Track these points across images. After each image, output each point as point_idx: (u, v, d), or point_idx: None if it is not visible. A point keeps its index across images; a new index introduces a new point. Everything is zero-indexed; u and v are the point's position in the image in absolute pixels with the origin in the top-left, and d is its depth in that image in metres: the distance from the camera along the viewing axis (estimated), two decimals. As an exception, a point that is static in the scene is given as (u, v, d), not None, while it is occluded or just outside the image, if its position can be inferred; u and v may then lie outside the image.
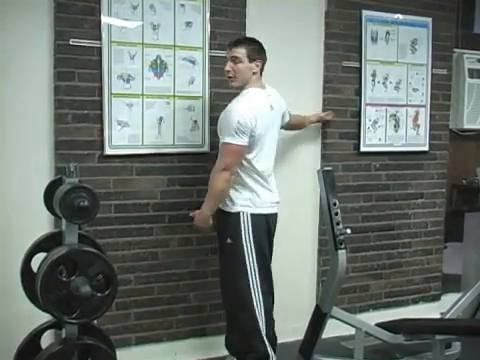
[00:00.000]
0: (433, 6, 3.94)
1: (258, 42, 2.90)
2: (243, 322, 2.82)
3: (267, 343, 2.80)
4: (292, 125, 3.29)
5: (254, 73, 2.85)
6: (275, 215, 2.93)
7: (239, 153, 2.75)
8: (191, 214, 2.95)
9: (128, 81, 3.10)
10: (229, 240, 2.81)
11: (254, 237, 2.79)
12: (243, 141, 2.73)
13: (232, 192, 2.81)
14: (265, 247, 2.87)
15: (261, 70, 2.89)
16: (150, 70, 3.15)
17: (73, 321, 2.18)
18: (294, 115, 3.28)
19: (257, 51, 2.86)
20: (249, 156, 2.79)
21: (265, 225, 2.86)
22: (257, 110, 2.79)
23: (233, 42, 2.87)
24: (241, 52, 2.81)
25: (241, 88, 2.87)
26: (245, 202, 2.81)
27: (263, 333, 2.80)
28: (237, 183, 2.80)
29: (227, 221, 2.83)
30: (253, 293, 2.78)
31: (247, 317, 2.80)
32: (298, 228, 3.64)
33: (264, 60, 2.89)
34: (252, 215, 2.80)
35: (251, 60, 2.83)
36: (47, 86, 3.00)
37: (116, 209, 3.14)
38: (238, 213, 2.80)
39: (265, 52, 2.90)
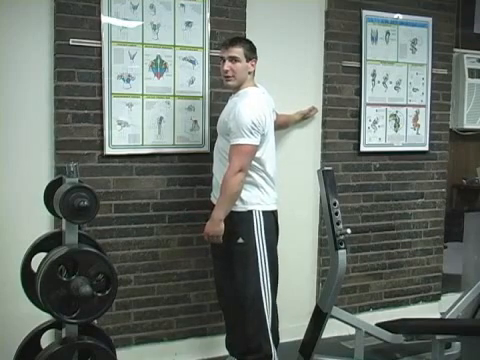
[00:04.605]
0: (433, 6, 3.94)
1: (251, 42, 2.92)
2: (250, 322, 2.81)
3: (272, 343, 2.80)
4: (278, 124, 3.24)
5: (249, 73, 2.86)
6: (277, 211, 2.94)
7: (252, 153, 2.76)
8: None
9: (128, 81, 3.10)
10: (241, 240, 2.79)
11: (266, 234, 2.79)
12: (256, 141, 2.74)
13: (242, 192, 2.80)
14: (275, 243, 2.90)
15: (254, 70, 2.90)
16: (150, 70, 3.15)
17: (73, 321, 2.18)
18: (280, 114, 3.28)
19: (252, 50, 2.87)
20: (258, 155, 2.80)
21: (274, 221, 2.89)
22: (264, 108, 2.81)
23: (229, 42, 2.86)
24: (239, 51, 2.81)
25: (237, 88, 2.87)
26: (256, 200, 2.82)
27: (269, 332, 2.80)
28: (246, 182, 2.79)
29: (238, 221, 2.80)
30: (263, 292, 2.79)
31: (255, 317, 2.80)
32: (298, 228, 3.64)
33: (257, 59, 2.90)
34: (263, 212, 2.81)
35: (248, 59, 2.84)
36: (47, 86, 3.00)
37: (116, 209, 3.14)
38: (250, 211, 2.80)
39: (256, 51, 2.91)
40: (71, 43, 2.96)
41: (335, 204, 3.00)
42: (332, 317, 3.11)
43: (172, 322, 3.33)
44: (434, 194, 4.08)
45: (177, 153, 3.25)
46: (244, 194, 2.80)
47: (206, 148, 3.30)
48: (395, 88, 3.85)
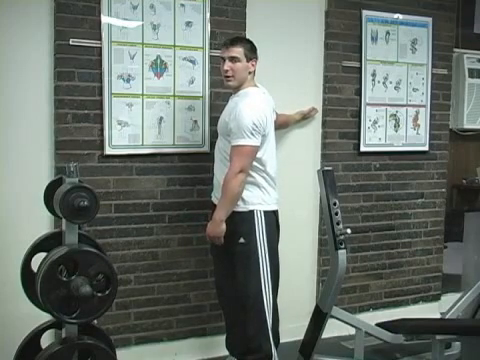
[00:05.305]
0: (433, 6, 3.94)
1: (251, 41, 2.91)
2: (250, 322, 2.80)
3: (272, 343, 2.80)
4: (278, 124, 3.23)
5: (250, 73, 2.86)
6: (278, 211, 2.94)
7: (253, 154, 2.76)
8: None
9: (128, 81, 3.10)
10: (242, 240, 2.79)
11: (267, 234, 2.80)
12: (257, 141, 2.74)
13: (244, 192, 2.80)
14: (276, 243, 2.89)
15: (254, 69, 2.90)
16: (150, 70, 3.15)
17: (73, 321, 2.18)
18: (280, 114, 3.28)
19: (253, 50, 2.87)
20: (259, 155, 2.80)
21: (275, 221, 2.89)
22: (265, 109, 2.81)
23: (229, 41, 2.86)
24: (239, 51, 2.81)
25: (237, 88, 2.87)
26: (257, 200, 2.82)
27: (270, 332, 2.80)
28: (248, 182, 2.79)
29: (240, 221, 2.80)
30: (264, 292, 2.79)
31: (256, 317, 2.79)
32: (298, 228, 3.63)
33: (257, 59, 2.90)
34: (265, 212, 2.81)
35: (248, 59, 2.84)
36: (47, 86, 3.00)
37: (116, 209, 3.14)
38: (252, 211, 2.80)
39: (257, 51, 2.90)
40: (71, 43, 2.96)
41: (335, 204, 3.00)
42: (332, 317, 3.11)
43: (172, 322, 3.33)
44: (434, 194, 4.08)
45: (177, 153, 3.25)
46: (245, 194, 2.79)
47: (206, 148, 3.30)
48: (395, 88, 3.85)
